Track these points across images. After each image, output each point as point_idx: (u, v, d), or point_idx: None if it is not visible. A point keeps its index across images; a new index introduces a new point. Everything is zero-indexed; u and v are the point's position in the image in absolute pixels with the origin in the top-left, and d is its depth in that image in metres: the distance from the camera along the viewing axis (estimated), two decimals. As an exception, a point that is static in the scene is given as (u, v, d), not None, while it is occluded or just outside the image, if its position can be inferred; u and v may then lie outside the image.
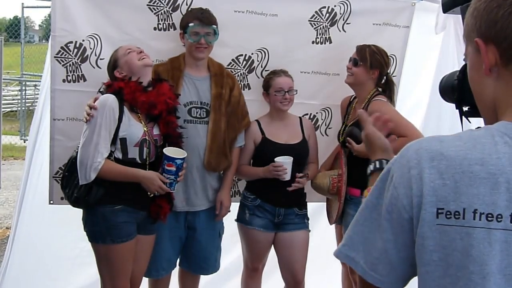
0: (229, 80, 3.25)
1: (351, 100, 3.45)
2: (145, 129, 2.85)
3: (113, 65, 2.92)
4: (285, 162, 3.18)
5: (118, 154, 2.81)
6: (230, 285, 3.78)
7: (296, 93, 3.33)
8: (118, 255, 2.82)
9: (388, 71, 3.35)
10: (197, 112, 3.14)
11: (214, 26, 3.11)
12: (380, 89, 3.29)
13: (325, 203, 3.56)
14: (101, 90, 2.91)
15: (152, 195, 2.92)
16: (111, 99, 2.77)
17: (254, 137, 3.35)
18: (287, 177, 3.19)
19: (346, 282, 3.56)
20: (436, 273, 1.01)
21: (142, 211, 2.92)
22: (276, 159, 3.18)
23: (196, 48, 3.09)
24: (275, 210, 3.28)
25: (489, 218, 0.95)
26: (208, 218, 3.26)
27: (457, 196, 0.97)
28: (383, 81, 3.31)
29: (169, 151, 2.84)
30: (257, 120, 3.39)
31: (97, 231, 2.82)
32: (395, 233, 1.06)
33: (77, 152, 2.80)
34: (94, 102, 2.76)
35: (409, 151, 1.05)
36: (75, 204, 2.85)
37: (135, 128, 2.82)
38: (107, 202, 2.79)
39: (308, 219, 3.40)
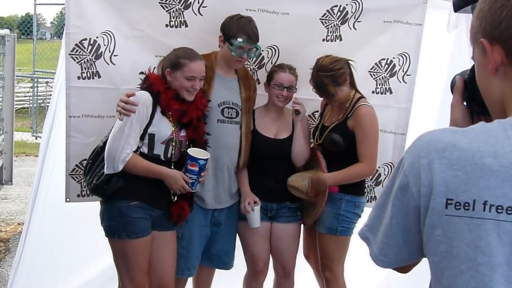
0: (252, 82, 3.35)
1: None
2: (173, 128, 2.90)
3: (174, 63, 2.90)
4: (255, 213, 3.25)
5: (144, 149, 2.87)
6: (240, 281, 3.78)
7: (296, 91, 3.32)
8: (134, 250, 2.87)
9: (349, 62, 3.23)
10: (229, 112, 3.20)
11: (259, 44, 3.15)
12: (355, 89, 3.26)
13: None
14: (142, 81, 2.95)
15: (175, 198, 2.97)
16: (146, 96, 2.82)
17: None
18: (257, 224, 3.26)
19: None
20: (441, 264, 1.03)
21: (158, 209, 2.95)
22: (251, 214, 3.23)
23: (237, 61, 3.16)
24: (267, 205, 3.32)
25: (499, 210, 0.97)
26: (230, 214, 3.33)
27: (467, 187, 0.99)
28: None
29: (193, 151, 2.89)
30: (252, 109, 3.41)
31: (113, 226, 2.87)
32: (402, 216, 1.10)
33: (104, 142, 2.86)
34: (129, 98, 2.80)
35: (421, 141, 1.07)
36: (93, 191, 2.91)
37: (164, 126, 2.88)
38: (124, 198, 2.84)
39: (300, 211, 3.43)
